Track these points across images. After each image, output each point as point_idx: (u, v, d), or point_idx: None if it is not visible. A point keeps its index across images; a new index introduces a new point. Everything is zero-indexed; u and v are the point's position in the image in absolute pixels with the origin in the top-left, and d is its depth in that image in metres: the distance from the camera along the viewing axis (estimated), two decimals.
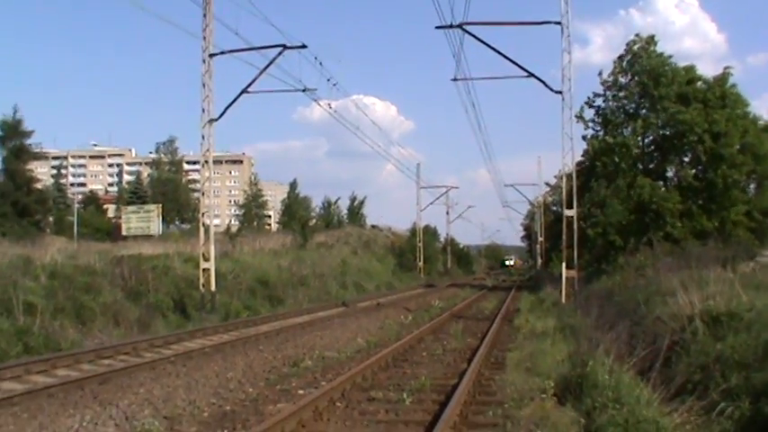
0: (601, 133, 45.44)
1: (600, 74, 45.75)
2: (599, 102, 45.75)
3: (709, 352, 12.86)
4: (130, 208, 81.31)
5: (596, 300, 25.45)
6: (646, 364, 12.94)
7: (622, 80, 45.09)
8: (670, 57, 44.45)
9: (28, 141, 72.10)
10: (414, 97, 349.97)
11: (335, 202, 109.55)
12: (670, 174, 45.01)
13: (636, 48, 44.58)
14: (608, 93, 45.42)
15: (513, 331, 24.77)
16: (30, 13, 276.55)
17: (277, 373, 16.58)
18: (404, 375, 15.90)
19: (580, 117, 44.99)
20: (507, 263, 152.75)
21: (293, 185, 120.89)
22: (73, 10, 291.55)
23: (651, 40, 44.71)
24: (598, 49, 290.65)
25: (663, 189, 42.21)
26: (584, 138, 45.91)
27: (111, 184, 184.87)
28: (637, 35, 45.37)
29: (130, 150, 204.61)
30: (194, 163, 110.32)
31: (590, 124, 45.98)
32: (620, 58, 45.27)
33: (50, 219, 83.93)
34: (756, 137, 41.47)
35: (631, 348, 13.82)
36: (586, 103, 45.99)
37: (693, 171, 42.04)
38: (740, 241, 34.80)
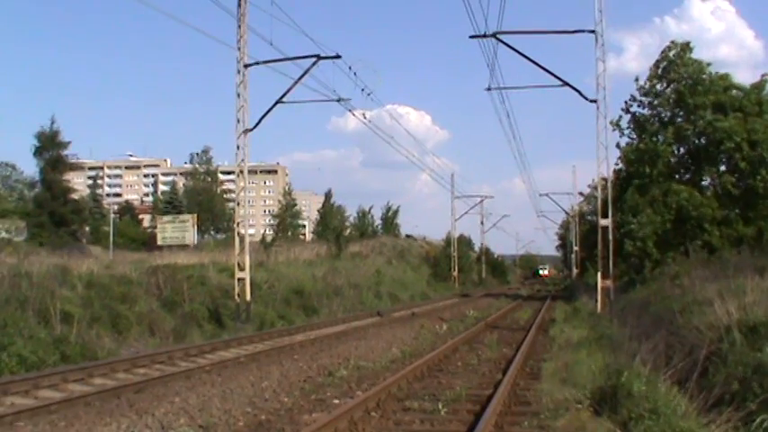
0: (635, 141, 45.23)
1: (636, 79, 45.62)
2: (635, 107, 45.62)
3: (747, 362, 12.72)
4: (166, 218, 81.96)
5: (632, 309, 25.30)
6: (683, 374, 12.82)
7: (658, 87, 44.84)
8: (709, 64, 44.26)
9: (65, 152, 72.90)
10: (448, 107, 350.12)
11: (369, 211, 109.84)
12: (705, 183, 44.63)
13: (671, 54, 44.31)
14: (643, 99, 45.23)
15: (548, 341, 24.63)
16: (68, 26, 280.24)
17: (312, 382, 16.58)
18: (439, 385, 15.86)
19: (617, 125, 44.86)
20: (540, 272, 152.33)
21: (328, 195, 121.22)
22: (109, 22, 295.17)
23: (686, 46, 44.43)
24: (633, 58, 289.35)
25: (699, 196, 41.81)
26: (617, 146, 45.77)
27: (146, 195, 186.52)
28: (672, 42, 45.15)
29: (166, 161, 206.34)
30: (229, 173, 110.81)
31: (625, 132, 45.85)
32: (656, 64, 45.04)
33: (86, 229, 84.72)
34: None
35: (668, 359, 13.70)
36: (623, 109, 45.87)
37: (731, 179, 41.57)
38: None
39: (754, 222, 40.48)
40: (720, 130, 40.30)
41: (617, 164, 45.55)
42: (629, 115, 45.79)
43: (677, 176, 44.33)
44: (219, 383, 15.85)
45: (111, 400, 13.83)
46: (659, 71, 44.78)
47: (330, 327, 30.86)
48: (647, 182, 42.45)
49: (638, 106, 45.47)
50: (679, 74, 43.44)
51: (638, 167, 42.90)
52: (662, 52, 45.11)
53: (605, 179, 35.09)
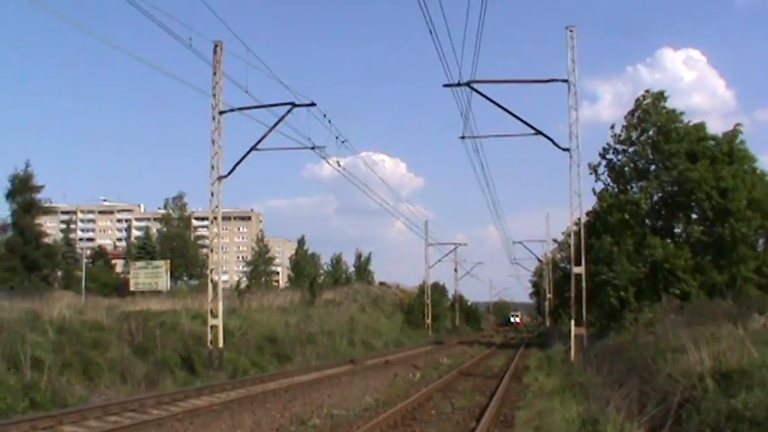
0: (611, 186, 45.33)
1: (612, 127, 45.79)
2: (611, 155, 45.73)
3: (720, 409, 12.75)
4: (139, 263, 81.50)
5: (606, 357, 25.30)
6: (656, 421, 12.84)
7: (633, 135, 45.04)
8: (682, 113, 44.56)
9: (38, 196, 72.55)
10: (423, 154, 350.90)
11: (338, 257, 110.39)
12: (678, 230, 44.80)
13: (645, 103, 44.63)
14: (618, 147, 45.37)
15: (522, 389, 24.61)
16: (42, 70, 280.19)
17: (285, 431, 16.46)
18: None
19: (594, 170, 44.91)
20: (512, 319, 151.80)
21: (301, 242, 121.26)
22: (85, 67, 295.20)
23: (660, 95, 44.75)
24: (607, 106, 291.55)
25: (672, 246, 41.88)
26: (594, 192, 45.65)
27: (119, 240, 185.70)
28: (647, 91, 45.43)
29: (139, 206, 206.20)
30: (203, 219, 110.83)
31: (602, 177, 45.87)
32: (631, 113, 45.27)
33: (59, 273, 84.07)
34: (764, 192, 41.36)
35: (641, 406, 13.72)
36: (601, 154, 45.85)
37: (701, 227, 41.75)
38: (750, 297, 34.58)
39: (726, 269, 40.62)
40: (691, 179, 40.56)
41: (588, 213, 45.45)
42: (605, 160, 45.89)
43: (650, 223, 44.48)
44: None
45: None
46: (634, 119, 45.04)
47: (303, 374, 30.66)
48: (620, 230, 42.48)
49: (614, 153, 45.67)
50: (653, 123, 43.78)
51: (616, 216, 42.89)
52: (636, 101, 45.42)
53: (578, 225, 35.20)
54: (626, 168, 45.31)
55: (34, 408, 18.18)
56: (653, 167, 44.48)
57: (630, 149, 45.19)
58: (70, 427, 16.15)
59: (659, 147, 43.09)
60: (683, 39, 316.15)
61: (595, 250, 40.89)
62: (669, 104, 44.64)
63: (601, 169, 45.70)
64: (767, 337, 18.63)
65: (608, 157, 45.75)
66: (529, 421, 16.25)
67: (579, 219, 34.45)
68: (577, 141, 32.92)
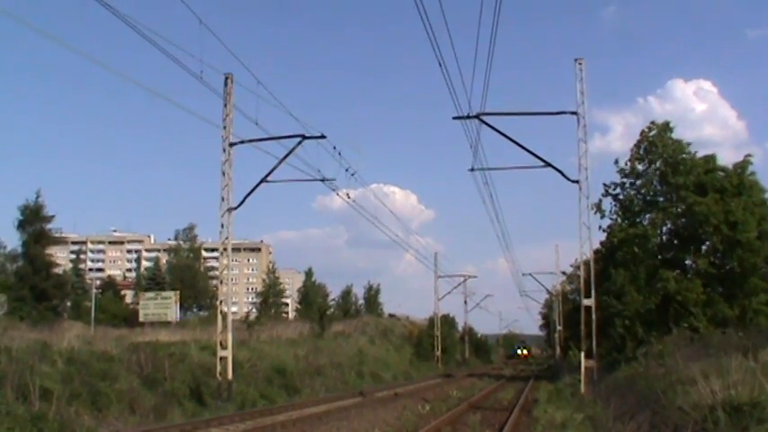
0: (620, 221, 44.92)
1: (616, 162, 45.50)
2: (617, 190, 45.33)
3: None
4: (148, 294, 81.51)
5: (616, 389, 25.21)
6: None
7: (640, 167, 44.73)
8: (689, 144, 44.26)
9: (48, 226, 72.55)
10: (433, 186, 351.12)
11: (349, 289, 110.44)
12: (688, 262, 44.46)
13: (651, 135, 44.38)
14: (625, 180, 45.04)
15: (531, 422, 24.45)
16: (55, 101, 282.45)
17: None
18: None
19: (598, 209, 44.35)
20: (519, 352, 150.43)
21: (309, 274, 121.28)
22: (97, 97, 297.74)
23: (666, 126, 44.48)
24: (618, 137, 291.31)
25: (684, 278, 41.55)
26: (602, 229, 45.27)
27: (129, 270, 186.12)
28: (652, 122, 45.17)
29: (149, 237, 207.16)
30: (213, 250, 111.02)
31: (607, 213, 45.43)
32: (637, 145, 44.99)
33: (68, 303, 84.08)
34: None
35: None
36: (603, 194, 45.43)
37: (711, 259, 41.48)
38: (761, 329, 34.35)
39: (737, 301, 40.29)
40: (699, 213, 40.28)
41: (600, 244, 45.15)
42: (609, 197, 45.50)
43: (660, 256, 44.15)
44: None
45: None
46: (640, 151, 44.78)
47: (312, 407, 30.55)
48: (630, 260, 42.19)
49: (620, 188, 45.29)
50: (659, 154, 43.51)
51: (626, 249, 42.59)
52: (642, 132, 45.17)
53: (587, 261, 35.05)
54: (634, 201, 45.00)
55: None
56: (661, 199, 44.26)
57: (637, 182, 44.93)
58: None
59: (667, 179, 42.88)
60: (693, 70, 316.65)
61: (607, 282, 40.69)
62: (677, 135, 44.42)
63: (605, 205, 45.28)
64: None
65: (613, 192, 45.33)
66: None
67: (589, 250, 34.33)
68: (587, 173, 32.96)
